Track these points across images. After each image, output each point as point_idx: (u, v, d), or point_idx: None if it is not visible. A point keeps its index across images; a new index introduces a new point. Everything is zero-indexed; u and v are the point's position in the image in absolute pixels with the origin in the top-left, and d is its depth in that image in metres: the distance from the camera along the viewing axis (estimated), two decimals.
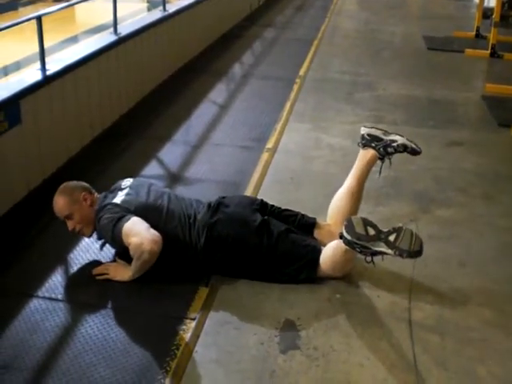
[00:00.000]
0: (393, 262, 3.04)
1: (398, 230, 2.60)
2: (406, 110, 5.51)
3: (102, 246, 3.10)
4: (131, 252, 2.79)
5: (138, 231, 2.77)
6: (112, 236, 2.86)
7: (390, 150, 3.08)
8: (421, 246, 2.57)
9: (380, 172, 3.15)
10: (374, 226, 2.65)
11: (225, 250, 2.88)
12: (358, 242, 2.62)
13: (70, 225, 3.01)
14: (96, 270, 2.93)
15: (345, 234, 2.65)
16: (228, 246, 2.88)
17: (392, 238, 2.59)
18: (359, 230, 2.62)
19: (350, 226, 2.64)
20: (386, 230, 2.63)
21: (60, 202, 3.01)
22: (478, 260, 3.14)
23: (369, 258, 2.68)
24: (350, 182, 3.12)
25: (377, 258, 2.69)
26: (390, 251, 2.59)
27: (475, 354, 2.47)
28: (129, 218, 2.83)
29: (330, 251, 2.85)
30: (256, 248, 2.87)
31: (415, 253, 2.57)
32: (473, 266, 3.09)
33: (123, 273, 2.87)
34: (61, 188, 3.06)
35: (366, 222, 2.65)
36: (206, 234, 2.89)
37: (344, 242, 2.68)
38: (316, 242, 3.00)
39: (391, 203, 3.70)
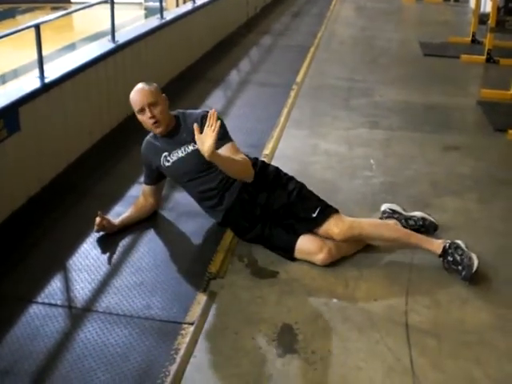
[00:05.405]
0: (389, 266, 3.09)
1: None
2: (403, 115, 5.54)
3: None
4: (239, 162, 3.12)
5: (244, 156, 3.21)
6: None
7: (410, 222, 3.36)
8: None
9: None
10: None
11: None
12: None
13: (150, 114, 3.18)
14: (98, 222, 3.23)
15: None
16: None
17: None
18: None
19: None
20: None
21: (148, 89, 3.24)
22: None
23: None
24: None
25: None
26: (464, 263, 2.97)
27: (472, 356, 2.49)
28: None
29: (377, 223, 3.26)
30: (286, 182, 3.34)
31: (472, 276, 2.94)
32: None
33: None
34: (145, 83, 3.29)
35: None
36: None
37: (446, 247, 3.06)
38: None
39: None
